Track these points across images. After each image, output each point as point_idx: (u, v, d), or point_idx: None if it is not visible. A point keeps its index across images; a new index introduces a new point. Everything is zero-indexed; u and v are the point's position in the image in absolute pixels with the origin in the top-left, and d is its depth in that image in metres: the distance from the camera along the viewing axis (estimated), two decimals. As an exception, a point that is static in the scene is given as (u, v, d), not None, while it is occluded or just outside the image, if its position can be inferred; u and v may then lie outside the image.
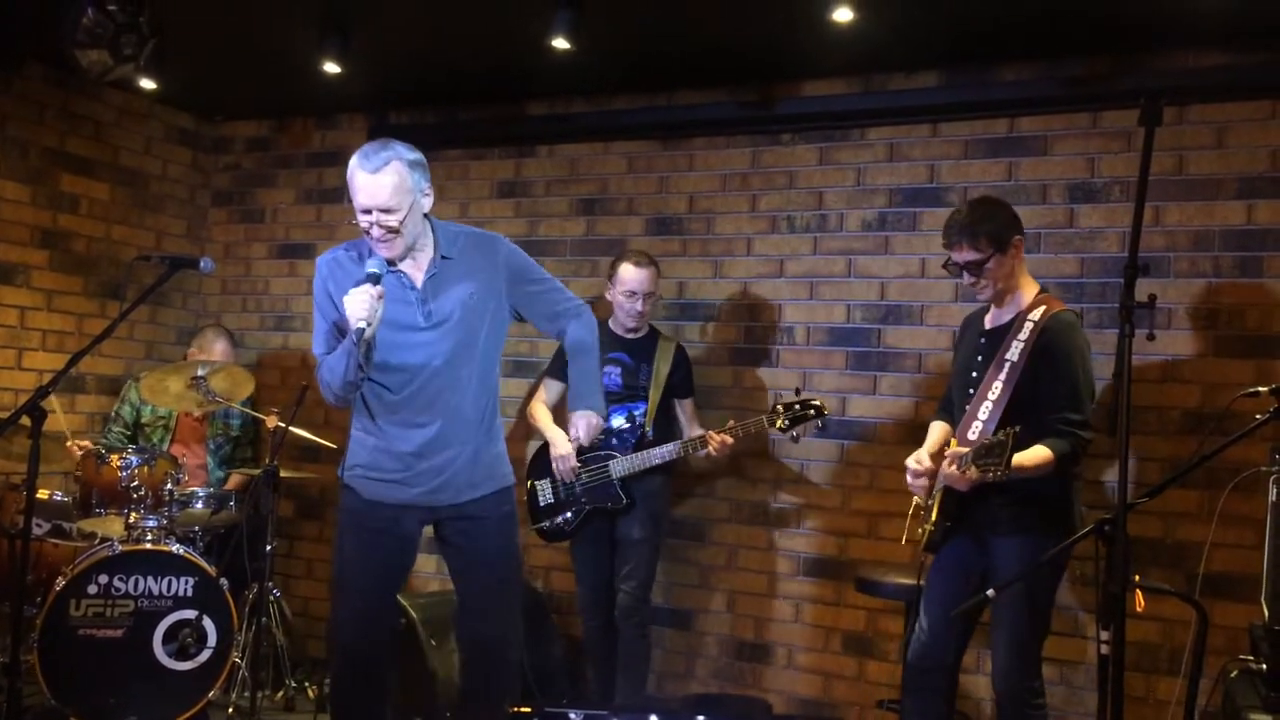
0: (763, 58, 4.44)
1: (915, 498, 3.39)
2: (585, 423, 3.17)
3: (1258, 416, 2.81)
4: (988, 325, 3.37)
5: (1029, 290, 3.31)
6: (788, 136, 4.66)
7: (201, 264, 3.45)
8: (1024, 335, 3.18)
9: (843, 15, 3.72)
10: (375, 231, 2.92)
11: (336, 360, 2.95)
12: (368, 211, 2.90)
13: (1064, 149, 4.17)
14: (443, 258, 3.06)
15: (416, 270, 3.05)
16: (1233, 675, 2.88)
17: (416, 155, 2.97)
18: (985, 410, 3.16)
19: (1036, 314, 3.20)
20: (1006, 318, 3.30)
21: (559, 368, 4.35)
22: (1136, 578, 2.53)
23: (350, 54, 4.46)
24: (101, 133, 5.38)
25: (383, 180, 2.87)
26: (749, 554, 4.63)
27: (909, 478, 3.37)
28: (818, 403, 4.03)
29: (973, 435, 3.14)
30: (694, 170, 4.84)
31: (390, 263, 2.99)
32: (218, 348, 5.01)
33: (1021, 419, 3.00)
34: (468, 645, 3.27)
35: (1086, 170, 4.14)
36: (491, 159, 5.26)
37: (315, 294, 3.09)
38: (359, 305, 2.81)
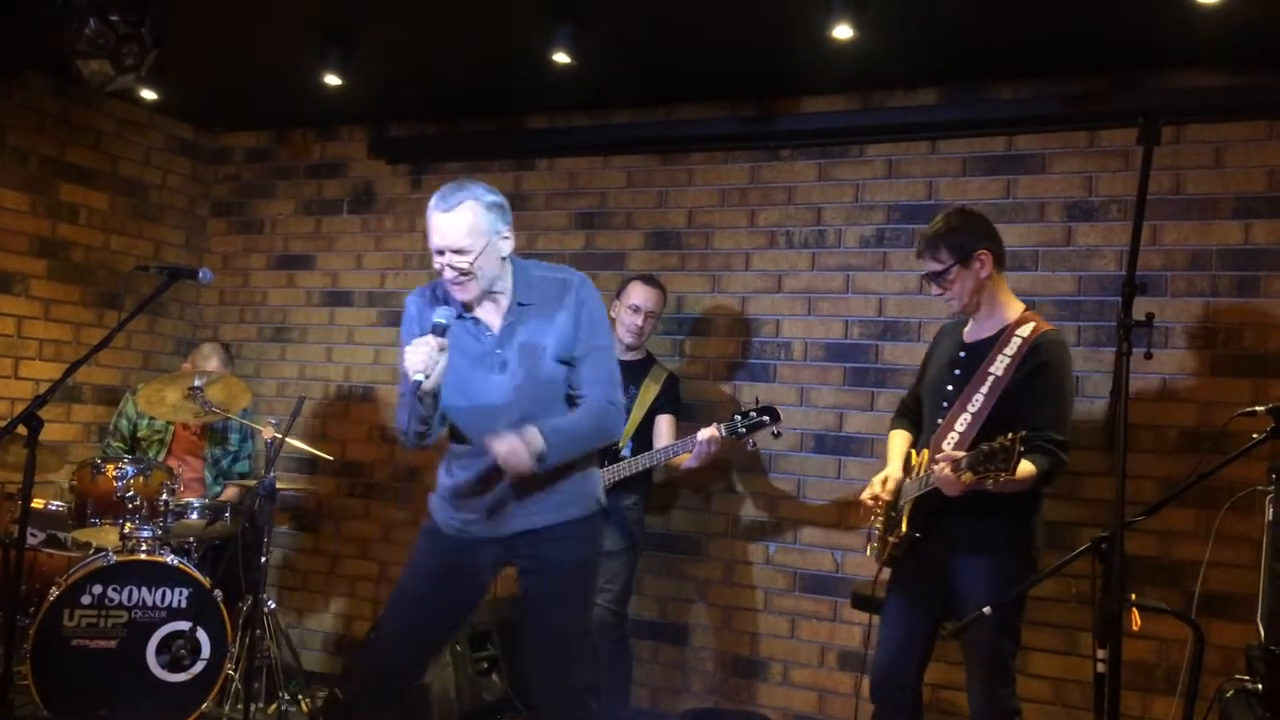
0: (763, 74, 4.46)
1: (875, 515, 3.38)
2: (513, 436, 2.83)
3: (1254, 435, 2.82)
4: (967, 339, 3.33)
5: (1013, 306, 3.28)
6: (787, 152, 4.67)
7: (200, 274, 3.46)
8: (1011, 350, 3.15)
9: (843, 33, 3.74)
10: (447, 273, 2.88)
11: (401, 407, 2.93)
12: (441, 252, 2.87)
13: (1062, 167, 4.19)
14: (520, 304, 2.99)
15: (494, 314, 3.00)
16: (1229, 695, 2.87)
17: (496, 197, 2.92)
18: (963, 422, 3.13)
19: (1025, 330, 3.18)
20: (988, 332, 3.26)
21: None
22: (1133, 596, 2.53)
23: (351, 66, 4.47)
24: (101, 143, 5.38)
25: (455, 220, 2.83)
26: (744, 569, 4.62)
27: (867, 496, 3.36)
28: (774, 408, 3.97)
29: (948, 446, 3.12)
30: (693, 185, 4.85)
31: (467, 307, 2.95)
32: (212, 364, 4.98)
33: (999, 433, 2.99)
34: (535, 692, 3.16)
35: (1084, 189, 4.15)
36: (491, 172, 5.26)
37: (403, 330, 3.05)
38: (418, 357, 2.75)
